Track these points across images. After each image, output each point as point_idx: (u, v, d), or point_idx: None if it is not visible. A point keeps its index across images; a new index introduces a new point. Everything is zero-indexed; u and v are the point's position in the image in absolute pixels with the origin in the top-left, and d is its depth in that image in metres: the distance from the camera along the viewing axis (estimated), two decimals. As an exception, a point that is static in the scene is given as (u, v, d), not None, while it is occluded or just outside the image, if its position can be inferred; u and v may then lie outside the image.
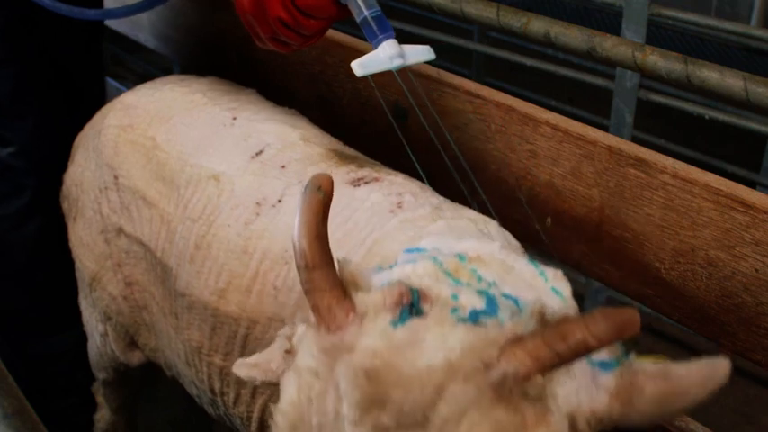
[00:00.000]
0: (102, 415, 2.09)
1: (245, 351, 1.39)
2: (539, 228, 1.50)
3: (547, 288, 0.95)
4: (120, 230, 1.67)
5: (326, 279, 0.87)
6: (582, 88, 3.32)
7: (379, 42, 1.30)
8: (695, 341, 3.04)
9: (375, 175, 1.39)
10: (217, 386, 1.49)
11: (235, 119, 1.63)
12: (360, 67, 1.30)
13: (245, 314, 1.38)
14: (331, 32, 1.87)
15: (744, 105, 1.35)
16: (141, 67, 4.37)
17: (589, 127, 1.43)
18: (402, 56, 1.30)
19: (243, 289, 1.39)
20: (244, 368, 1.01)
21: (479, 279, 0.91)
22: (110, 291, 1.72)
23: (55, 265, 2.01)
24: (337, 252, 1.25)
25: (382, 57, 1.30)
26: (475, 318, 0.84)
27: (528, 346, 0.78)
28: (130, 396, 2.06)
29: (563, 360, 0.77)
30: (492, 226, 1.26)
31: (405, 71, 1.35)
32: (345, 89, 1.84)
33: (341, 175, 1.39)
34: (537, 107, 1.50)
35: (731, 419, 2.74)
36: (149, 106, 1.73)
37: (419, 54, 1.34)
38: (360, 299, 0.87)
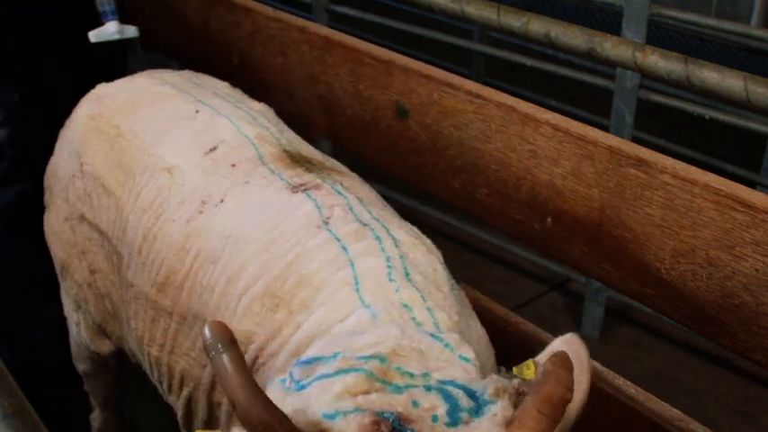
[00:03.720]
0: (97, 414, 2.10)
1: (175, 344, 1.42)
2: (539, 228, 1.50)
3: (455, 358, 0.97)
4: (82, 217, 1.69)
5: None
6: (582, 88, 3.31)
7: (108, 21, 2.02)
8: (695, 341, 3.04)
9: (317, 181, 1.37)
10: (155, 375, 1.51)
11: (197, 112, 1.62)
12: (94, 36, 2.01)
13: (177, 310, 1.41)
14: (331, 33, 1.87)
15: (744, 105, 1.35)
16: (141, 67, 4.37)
17: (589, 127, 1.43)
18: (120, 32, 2.03)
19: (178, 285, 1.41)
20: None
21: (411, 376, 0.91)
22: (76, 278, 1.74)
23: (29, 239, 2.05)
24: (261, 256, 1.26)
25: (109, 32, 2.02)
26: (456, 418, 0.86)
27: (528, 422, 0.83)
28: (113, 389, 2.05)
29: (557, 421, 0.82)
30: (419, 251, 1.24)
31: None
32: (346, 89, 1.84)
33: (285, 179, 1.39)
34: (537, 107, 1.50)
35: (731, 419, 2.74)
36: (118, 96, 1.76)
37: (130, 32, 2.06)
38: None
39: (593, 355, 1.58)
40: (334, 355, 0.95)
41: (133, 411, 2.21)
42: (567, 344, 0.98)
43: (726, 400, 2.82)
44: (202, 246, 1.38)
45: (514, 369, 0.94)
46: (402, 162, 1.77)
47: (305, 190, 1.35)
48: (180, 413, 1.46)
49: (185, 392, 1.43)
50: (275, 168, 1.44)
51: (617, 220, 1.38)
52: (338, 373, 0.91)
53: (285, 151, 1.49)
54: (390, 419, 0.85)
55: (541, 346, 1.58)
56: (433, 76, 1.63)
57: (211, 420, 1.38)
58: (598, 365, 1.54)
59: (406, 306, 1.10)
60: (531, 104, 1.51)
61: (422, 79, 1.65)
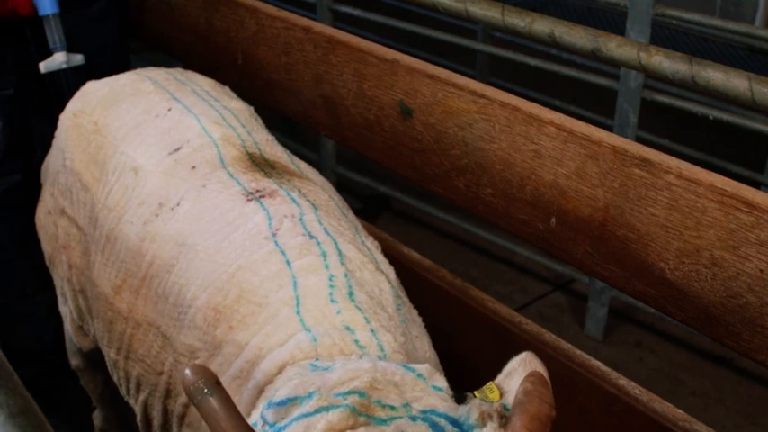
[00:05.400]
0: (98, 412, 2.10)
1: (131, 349, 1.40)
2: (543, 228, 1.50)
3: (428, 388, 0.96)
4: (63, 212, 1.70)
5: None
6: (586, 88, 3.31)
7: (56, 51, 2.08)
8: (698, 341, 3.04)
9: (273, 187, 1.35)
10: (115, 377, 1.50)
11: (169, 110, 1.60)
12: (44, 66, 2.08)
13: (132, 315, 1.39)
14: (336, 32, 1.87)
15: (749, 106, 1.35)
16: (143, 67, 4.38)
17: (594, 127, 1.43)
18: (67, 62, 2.10)
19: (133, 289, 1.39)
20: None
21: (392, 408, 0.91)
22: (60, 273, 1.75)
23: (20, 230, 2.09)
24: (207, 266, 1.24)
25: (57, 62, 2.08)
26: None
27: None
28: (105, 387, 2.03)
29: None
30: (367, 269, 1.22)
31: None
32: (350, 89, 1.84)
33: (242, 184, 1.37)
34: (541, 107, 1.50)
35: (735, 420, 2.74)
36: (100, 92, 1.76)
37: (77, 60, 2.12)
38: None
39: (597, 355, 1.58)
40: (310, 395, 0.92)
41: (133, 411, 2.21)
42: (525, 363, 0.96)
43: (730, 401, 2.82)
44: (157, 252, 1.36)
45: (476, 393, 0.92)
46: (406, 162, 1.77)
47: (259, 197, 1.33)
48: (138, 416, 1.45)
49: (141, 397, 1.42)
50: (234, 172, 1.41)
51: (621, 221, 1.38)
52: (318, 411, 0.88)
53: (248, 153, 1.47)
54: None
55: (545, 346, 1.58)
56: (438, 76, 1.63)
57: (167, 425, 1.37)
58: (601, 366, 1.54)
59: (348, 328, 1.08)
60: (535, 104, 1.51)
61: (426, 79, 1.65)
